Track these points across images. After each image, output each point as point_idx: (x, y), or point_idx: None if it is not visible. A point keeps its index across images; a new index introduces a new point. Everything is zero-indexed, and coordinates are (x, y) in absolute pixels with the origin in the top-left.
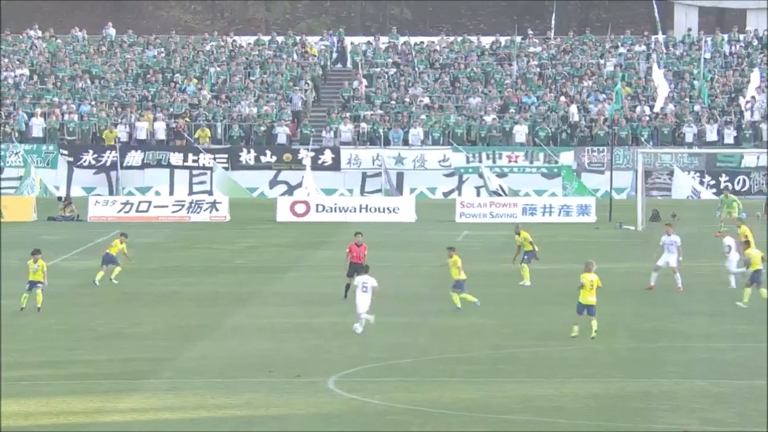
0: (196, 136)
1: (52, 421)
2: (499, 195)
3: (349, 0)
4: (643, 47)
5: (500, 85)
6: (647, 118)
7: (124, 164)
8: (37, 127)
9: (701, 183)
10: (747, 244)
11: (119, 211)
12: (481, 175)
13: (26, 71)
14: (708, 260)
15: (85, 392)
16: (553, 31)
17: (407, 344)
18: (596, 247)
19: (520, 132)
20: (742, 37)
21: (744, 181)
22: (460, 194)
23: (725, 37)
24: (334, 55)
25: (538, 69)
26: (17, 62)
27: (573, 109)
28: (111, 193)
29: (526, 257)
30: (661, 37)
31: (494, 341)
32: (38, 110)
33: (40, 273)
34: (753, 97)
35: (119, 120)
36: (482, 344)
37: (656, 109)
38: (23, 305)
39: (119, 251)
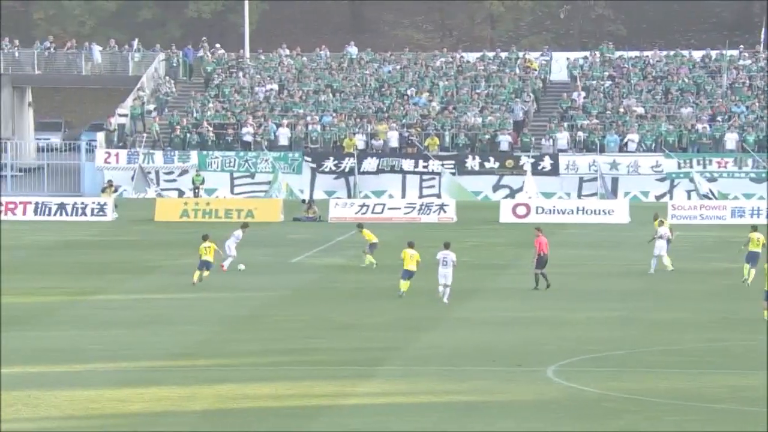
0: (426, 144)
1: (298, 403)
2: (709, 198)
3: (568, 17)
4: None
5: (710, 95)
6: None
7: (361, 170)
8: (284, 136)
9: None
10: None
11: (357, 213)
12: (691, 180)
13: (275, 86)
14: None
15: (325, 377)
16: (762, 44)
17: (621, 337)
18: None
19: (731, 139)
20: None
21: None
22: (671, 198)
23: None
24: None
25: (748, 80)
26: (268, 78)
27: None
28: (349, 196)
29: (751, 259)
30: None
31: (704, 334)
32: (285, 121)
33: (212, 253)
34: None
35: (357, 129)
36: (693, 337)
37: None
38: (195, 281)
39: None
